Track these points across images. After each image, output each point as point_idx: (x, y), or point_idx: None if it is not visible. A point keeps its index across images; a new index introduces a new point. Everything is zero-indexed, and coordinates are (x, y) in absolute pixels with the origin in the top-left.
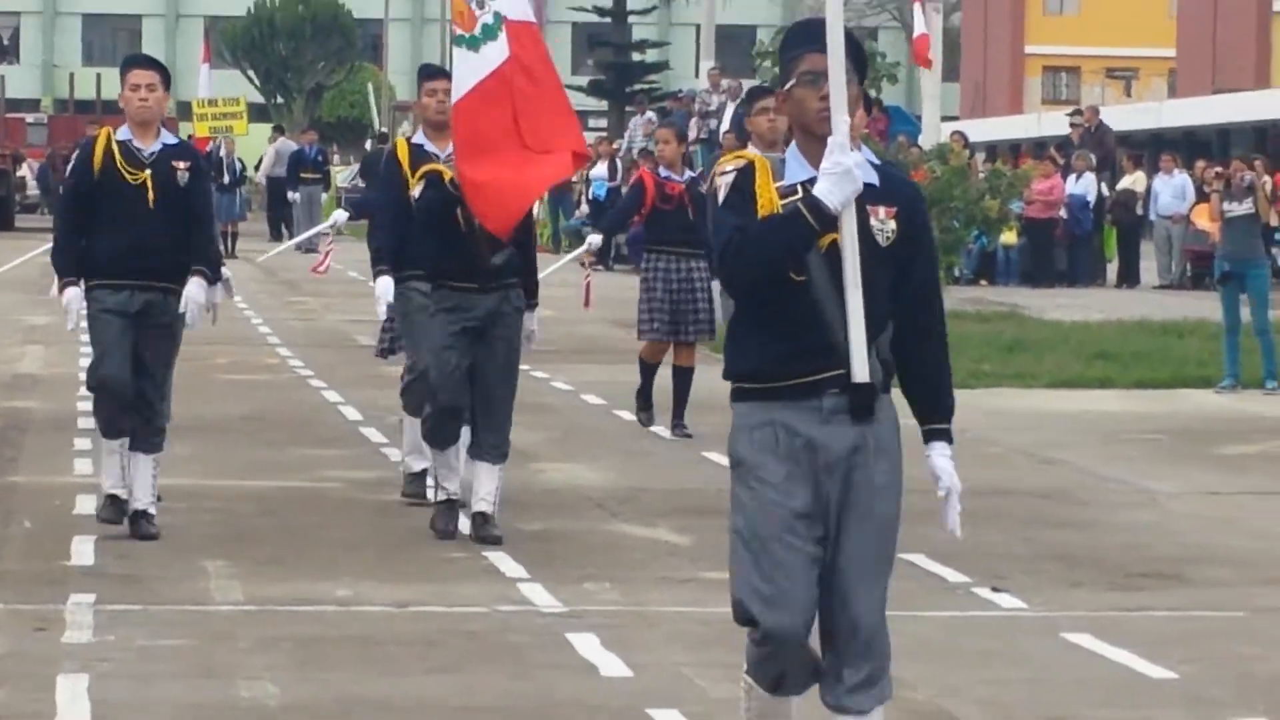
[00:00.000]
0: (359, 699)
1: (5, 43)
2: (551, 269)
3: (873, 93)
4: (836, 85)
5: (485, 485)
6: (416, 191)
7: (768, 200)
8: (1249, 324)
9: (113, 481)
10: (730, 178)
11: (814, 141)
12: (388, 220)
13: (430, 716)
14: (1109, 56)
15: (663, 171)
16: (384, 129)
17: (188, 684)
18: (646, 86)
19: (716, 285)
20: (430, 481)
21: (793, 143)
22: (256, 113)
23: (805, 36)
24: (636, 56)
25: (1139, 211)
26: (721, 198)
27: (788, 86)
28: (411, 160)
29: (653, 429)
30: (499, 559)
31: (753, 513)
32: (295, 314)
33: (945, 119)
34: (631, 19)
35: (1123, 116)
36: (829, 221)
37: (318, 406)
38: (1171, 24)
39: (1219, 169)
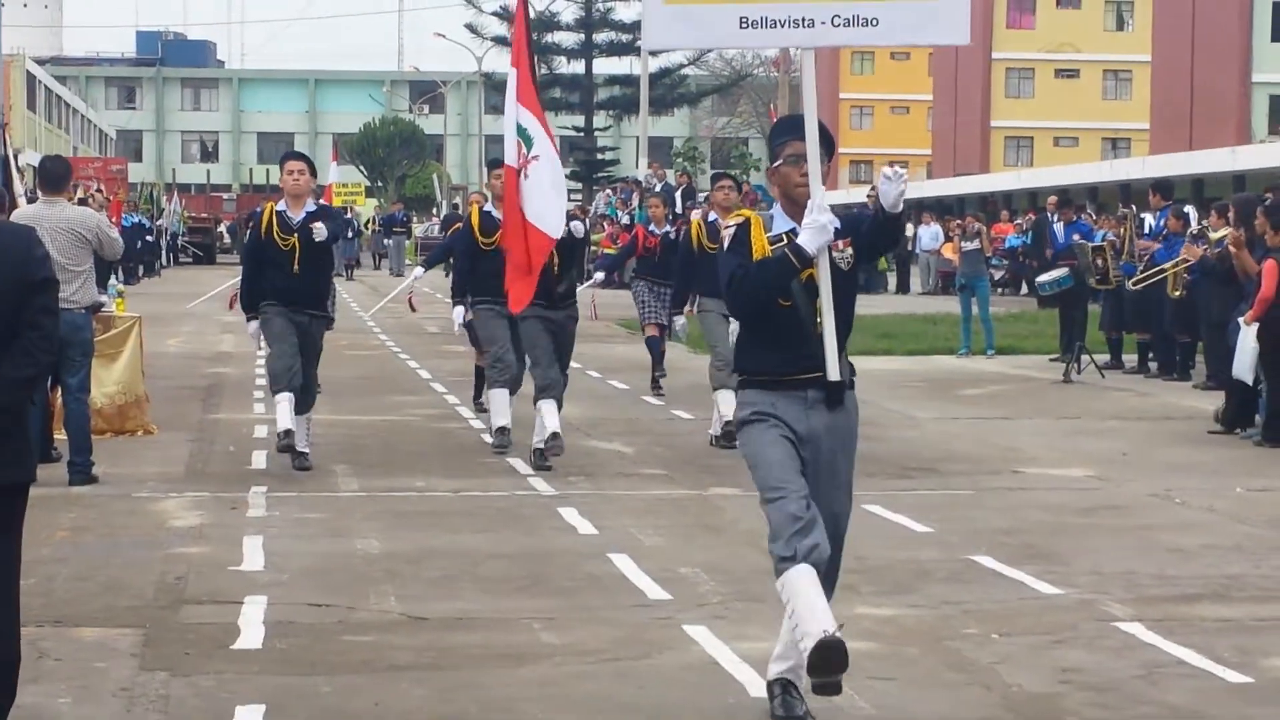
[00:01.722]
0: (430, 549)
1: (209, 149)
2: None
3: (745, 177)
4: (813, 164)
5: (551, 417)
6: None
7: (760, 246)
8: (977, 315)
9: (285, 421)
10: (732, 230)
11: (793, 204)
12: (466, 265)
13: (474, 558)
14: (889, 154)
15: (652, 227)
16: (452, 201)
17: (325, 541)
18: (605, 175)
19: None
20: (494, 422)
21: (776, 204)
22: (366, 192)
23: (789, 128)
24: (600, 157)
25: (909, 248)
26: (726, 244)
27: (776, 164)
28: (482, 224)
29: (615, 383)
30: (516, 463)
31: (761, 445)
32: (388, 314)
33: None
34: (596, 133)
35: None
36: (807, 262)
37: (403, 370)
38: (928, 134)
39: (958, 221)
